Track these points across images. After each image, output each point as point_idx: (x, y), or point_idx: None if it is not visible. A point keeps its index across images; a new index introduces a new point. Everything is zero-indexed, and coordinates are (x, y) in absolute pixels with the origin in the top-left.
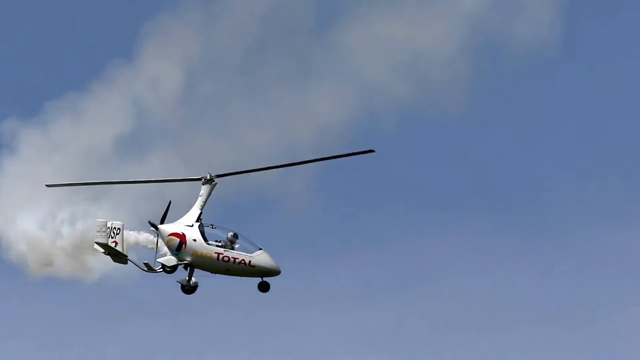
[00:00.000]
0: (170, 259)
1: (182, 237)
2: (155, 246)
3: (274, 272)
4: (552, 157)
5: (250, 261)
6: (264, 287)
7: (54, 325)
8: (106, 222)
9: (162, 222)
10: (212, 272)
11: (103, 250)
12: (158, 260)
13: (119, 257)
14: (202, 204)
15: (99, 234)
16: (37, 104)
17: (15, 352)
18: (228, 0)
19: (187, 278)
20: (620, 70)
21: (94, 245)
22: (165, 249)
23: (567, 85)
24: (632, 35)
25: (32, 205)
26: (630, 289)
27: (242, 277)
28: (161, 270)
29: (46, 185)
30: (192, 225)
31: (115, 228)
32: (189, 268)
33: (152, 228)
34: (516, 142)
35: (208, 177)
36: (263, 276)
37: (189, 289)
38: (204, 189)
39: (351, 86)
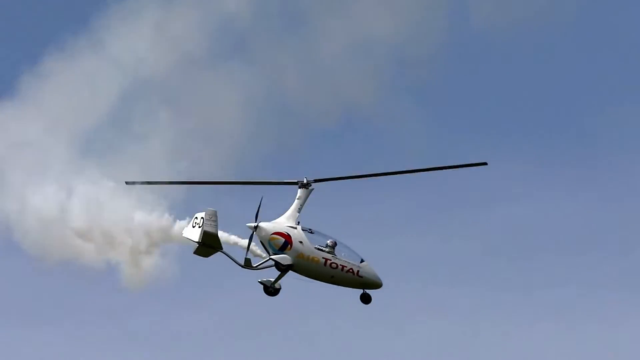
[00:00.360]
0: (285, 258)
1: (287, 237)
2: (247, 244)
3: (377, 285)
4: None
5: (358, 271)
6: (366, 299)
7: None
8: (216, 211)
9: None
10: (312, 278)
11: (197, 240)
12: (272, 257)
13: (213, 249)
14: (299, 207)
15: (209, 223)
16: None
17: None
18: None
19: (275, 279)
20: None
21: (183, 234)
22: (255, 248)
23: None
24: None
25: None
26: None
27: (341, 286)
28: (259, 267)
29: (126, 183)
30: (295, 227)
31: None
32: (283, 270)
33: (249, 225)
34: None
35: (305, 182)
36: (366, 288)
37: (272, 291)
38: (301, 193)
39: None
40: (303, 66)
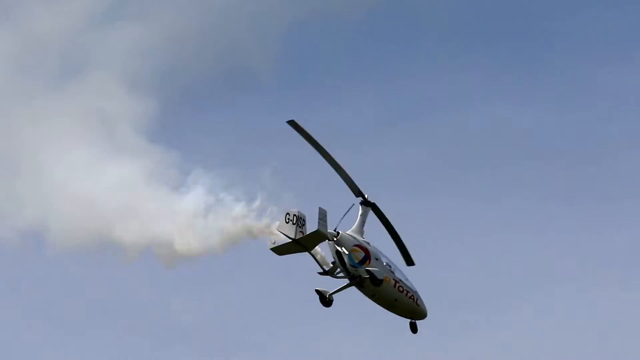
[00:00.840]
0: (379, 272)
1: (367, 251)
2: (334, 251)
3: (424, 315)
4: None
5: (417, 299)
6: (414, 328)
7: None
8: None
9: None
10: (376, 298)
11: (293, 237)
12: (369, 269)
13: (302, 249)
14: (363, 223)
15: (322, 223)
16: None
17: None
18: None
19: (334, 291)
20: None
21: (277, 229)
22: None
23: None
24: None
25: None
26: None
27: (393, 313)
28: (341, 275)
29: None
30: (368, 243)
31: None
32: (355, 284)
33: (330, 232)
34: None
35: (367, 198)
36: (415, 317)
37: (328, 301)
38: (362, 209)
39: None
40: None
